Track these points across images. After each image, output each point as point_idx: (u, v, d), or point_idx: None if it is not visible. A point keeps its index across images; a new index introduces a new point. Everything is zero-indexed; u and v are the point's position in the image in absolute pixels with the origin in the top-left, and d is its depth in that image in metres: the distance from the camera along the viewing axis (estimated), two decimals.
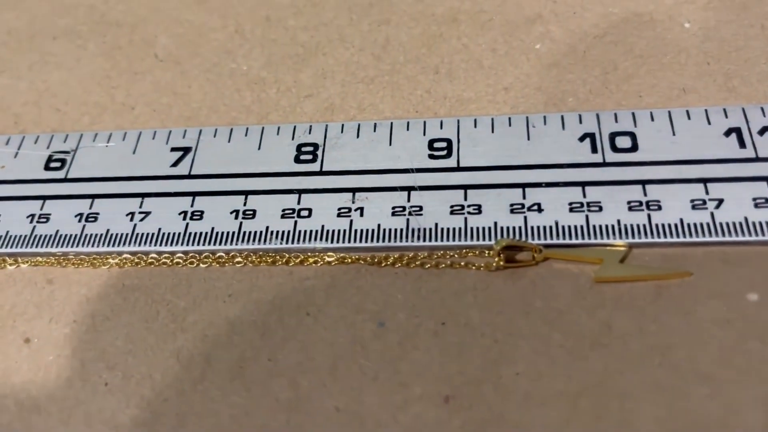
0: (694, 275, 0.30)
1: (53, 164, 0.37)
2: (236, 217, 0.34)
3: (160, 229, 0.34)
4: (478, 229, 0.32)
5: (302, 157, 0.36)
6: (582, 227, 0.31)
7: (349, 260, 0.32)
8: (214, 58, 0.41)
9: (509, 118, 0.35)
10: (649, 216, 0.31)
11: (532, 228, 0.31)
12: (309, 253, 0.33)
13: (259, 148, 0.36)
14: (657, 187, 0.32)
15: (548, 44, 0.38)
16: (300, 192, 0.34)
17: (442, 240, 0.32)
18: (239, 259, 0.33)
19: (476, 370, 0.29)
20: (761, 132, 0.33)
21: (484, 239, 0.31)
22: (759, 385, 0.27)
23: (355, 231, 0.32)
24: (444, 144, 0.35)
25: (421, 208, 0.33)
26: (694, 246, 0.30)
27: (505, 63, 0.38)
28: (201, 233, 0.33)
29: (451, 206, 0.32)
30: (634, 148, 0.33)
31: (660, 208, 0.31)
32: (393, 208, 0.33)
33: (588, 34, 0.38)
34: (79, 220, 0.35)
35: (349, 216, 0.33)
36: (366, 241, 0.32)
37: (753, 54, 0.36)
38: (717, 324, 0.29)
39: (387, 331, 0.30)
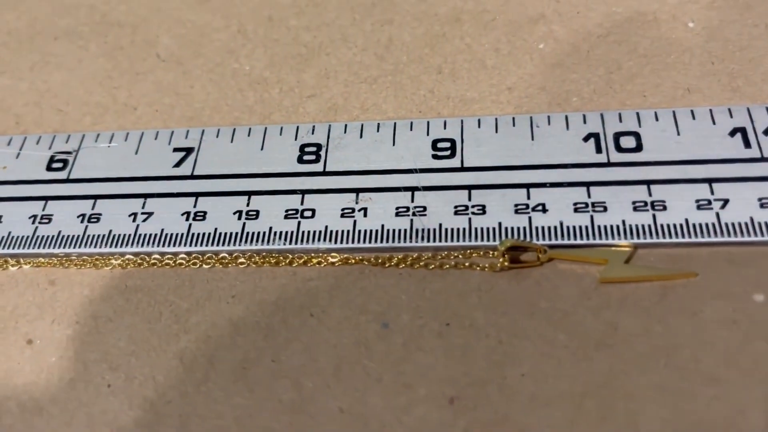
0: (699, 276, 0.30)
1: (55, 165, 0.37)
2: (239, 218, 0.34)
3: (162, 230, 0.34)
4: (482, 229, 0.32)
5: (305, 157, 0.35)
6: (587, 227, 0.31)
7: (353, 261, 0.32)
8: (217, 58, 0.41)
9: (513, 118, 0.35)
10: (654, 216, 0.31)
11: (536, 228, 0.31)
12: (312, 254, 0.33)
13: (261, 149, 0.36)
14: (662, 187, 0.32)
15: (552, 44, 0.38)
16: (303, 192, 0.34)
17: (446, 240, 0.32)
18: (242, 259, 0.33)
19: (481, 371, 0.29)
20: (766, 132, 0.33)
21: (488, 240, 0.31)
22: (765, 386, 0.27)
23: (359, 231, 0.32)
24: (448, 144, 0.35)
25: (425, 208, 0.33)
26: (700, 246, 0.30)
27: (508, 63, 0.38)
28: (204, 234, 0.33)
29: (455, 207, 0.32)
30: (638, 148, 0.33)
31: (665, 208, 0.31)
32: (397, 208, 0.33)
33: (592, 34, 0.38)
34: (82, 221, 0.35)
35: (353, 216, 0.33)
36: (370, 242, 0.32)
37: (757, 54, 0.36)
38: (723, 325, 0.29)
39: (391, 332, 0.30)
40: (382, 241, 0.32)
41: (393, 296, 0.31)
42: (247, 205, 0.34)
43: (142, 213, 0.34)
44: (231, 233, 0.33)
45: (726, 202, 0.31)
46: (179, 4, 0.44)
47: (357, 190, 0.34)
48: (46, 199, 0.36)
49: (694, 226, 0.30)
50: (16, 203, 0.36)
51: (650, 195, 0.31)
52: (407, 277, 0.32)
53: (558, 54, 0.38)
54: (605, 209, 0.31)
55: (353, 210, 0.33)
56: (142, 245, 0.33)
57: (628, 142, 0.33)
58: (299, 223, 0.33)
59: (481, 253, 0.32)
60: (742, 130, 0.33)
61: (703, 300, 0.29)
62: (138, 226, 0.34)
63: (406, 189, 0.33)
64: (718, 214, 0.30)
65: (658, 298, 0.30)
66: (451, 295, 0.31)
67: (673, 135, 0.33)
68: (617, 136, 0.34)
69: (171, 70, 0.41)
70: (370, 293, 0.31)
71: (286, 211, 0.33)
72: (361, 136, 0.36)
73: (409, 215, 0.32)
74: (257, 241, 0.33)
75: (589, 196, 0.32)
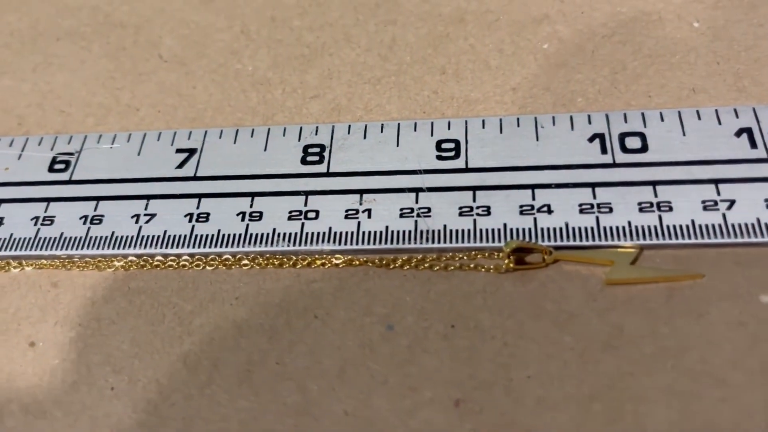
0: (706, 277, 0.30)
1: (57, 166, 0.37)
2: (243, 219, 0.33)
3: (165, 232, 0.34)
4: (487, 230, 0.31)
5: (309, 158, 0.35)
6: (592, 229, 0.31)
7: (357, 262, 0.32)
8: (220, 58, 0.41)
9: (517, 119, 0.35)
10: (660, 217, 0.31)
11: (541, 230, 0.31)
12: (316, 256, 0.32)
13: (265, 150, 0.36)
14: (668, 188, 0.31)
15: (556, 44, 0.38)
16: (307, 194, 0.34)
17: (450, 242, 0.31)
18: (246, 261, 0.33)
19: (487, 373, 0.29)
20: None
21: (493, 241, 0.31)
22: None
23: (363, 233, 0.32)
24: (452, 145, 0.34)
25: (429, 209, 0.32)
26: (706, 247, 0.30)
27: (512, 63, 0.38)
28: (207, 235, 0.33)
29: (460, 208, 0.32)
30: (644, 148, 0.33)
31: (671, 209, 0.31)
32: (401, 209, 0.33)
33: (596, 34, 0.38)
34: (84, 223, 0.34)
35: (357, 218, 0.33)
36: (374, 243, 0.32)
37: (763, 53, 0.36)
38: (730, 326, 0.29)
39: (396, 334, 0.30)
40: (386, 243, 0.32)
41: (397, 298, 0.31)
42: (251, 206, 0.34)
43: (145, 214, 0.34)
44: (234, 235, 0.33)
45: (732, 202, 0.31)
46: (182, 4, 0.44)
47: (361, 191, 0.33)
48: (48, 200, 0.36)
49: (700, 227, 0.30)
50: (18, 205, 0.36)
51: (656, 196, 0.31)
52: (412, 278, 0.32)
53: (562, 54, 0.38)
54: (611, 210, 0.31)
55: (357, 211, 0.33)
56: (145, 247, 0.33)
57: (633, 142, 0.33)
58: (303, 224, 0.33)
59: (486, 255, 0.31)
60: (748, 131, 0.33)
61: (710, 301, 0.29)
62: (141, 227, 0.34)
63: (410, 190, 0.33)
64: (724, 215, 0.30)
65: (665, 300, 0.30)
66: (456, 297, 0.31)
67: (678, 135, 0.33)
68: (622, 137, 0.33)
69: (174, 71, 0.41)
70: (375, 295, 0.31)
71: (290, 212, 0.33)
72: (364, 137, 0.36)
73: (413, 216, 0.32)
74: (261, 242, 0.33)
75: (594, 197, 0.32)
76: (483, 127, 0.35)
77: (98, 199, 0.35)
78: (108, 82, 0.41)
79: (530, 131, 0.34)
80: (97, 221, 0.34)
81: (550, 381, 0.28)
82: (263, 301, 0.32)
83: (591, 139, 0.34)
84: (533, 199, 0.32)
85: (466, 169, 0.33)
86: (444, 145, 0.35)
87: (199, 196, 0.35)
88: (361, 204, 0.33)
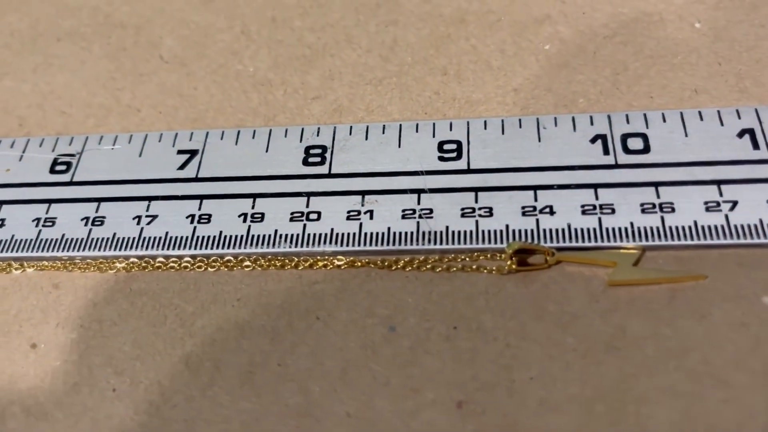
0: (708, 278, 0.30)
1: (59, 167, 0.37)
2: (244, 221, 0.33)
3: (167, 233, 0.34)
4: (489, 232, 0.31)
5: (310, 159, 0.35)
6: (595, 230, 0.31)
7: (359, 264, 0.32)
8: (220, 59, 0.41)
9: (519, 120, 0.35)
10: (662, 218, 0.31)
11: (544, 231, 0.31)
12: (318, 257, 0.32)
13: (266, 151, 0.36)
14: (670, 188, 0.31)
15: (557, 45, 0.38)
16: (309, 195, 0.34)
17: (453, 243, 0.31)
18: (248, 262, 0.33)
19: (489, 374, 0.29)
20: None
21: (495, 242, 0.31)
22: None
23: (365, 234, 0.32)
24: (454, 146, 0.34)
25: (431, 210, 0.32)
26: (709, 248, 0.30)
27: (514, 64, 0.38)
28: (209, 237, 0.33)
29: (462, 209, 0.32)
30: (646, 149, 0.33)
31: (673, 210, 0.31)
32: (403, 210, 0.33)
33: (597, 35, 0.38)
34: (86, 224, 0.34)
35: (359, 219, 0.33)
36: (376, 245, 0.32)
37: (764, 54, 0.36)
38: (732, 327, 0.29)
39: (398, 336, 0.30)
40: (388, 244, 0.32)
41: (400, 299, 0.31)
42: (252, 207, 0.34)
43: (147, 216, 0.34)
44: (236, 236, 0.33)
45: (735, 203, 0.30)
46: (182, 5, 0.44)
47: (363, 193, 0.33)
48: (49, 201, 0.36)
49: (702, 228, 0.30)
50: (19, 206, 0.36)
51: (658, 197, 0.31)
52: (414, 280, 0.32)
53: (564, 55, 0.38)
54: (613, 211, 0.31)
55: (359, 212, 0.33)
56: (147, 248, 0.33)
57: (635, 143, 0.33)
58: (305, 225, 0.33)
59: (488, 256, 0.31)
60: (751, 132, 0.33)
61: (713, 302, 0.29)
62: (142, 229, 0.34)
63: (412, 191, 0.33)
64: (726, 216, 0.30)
65: (667, 301, 0.29)
66: (459, 298, 0.31)
67: (680, 136, 0.33)
68: (624, 138, 0.33)
69: (174, 72, 0.41)
70: (377, 296, 0.31)
71: (292, 213, 0.33)
72: (366, 138, 0.36)
73: (415, 218, 0.32)
74: (262, 243, 0.33)
75: (596, 198, 0.32)
76: (485, 128, 0.35)
77: (100, 200, 0.35)
78: (109, 82, 0.41)
79: (532, 132, 0.34)
80: (99, 222, 0.34)
81: (553, 382, 0.28)
82: (265, 302, 0.32)
83: (593, 140, 0.33)
84: (535, 200, 0.32)
85: (468, 170, 0.33)
86: (446, 146, 0.35)
87: (201, 197, 0.35)
88: (363, 205, 0.33)
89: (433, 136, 0.35)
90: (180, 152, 0.36)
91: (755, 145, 0.32)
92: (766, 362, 0.28)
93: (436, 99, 0.37)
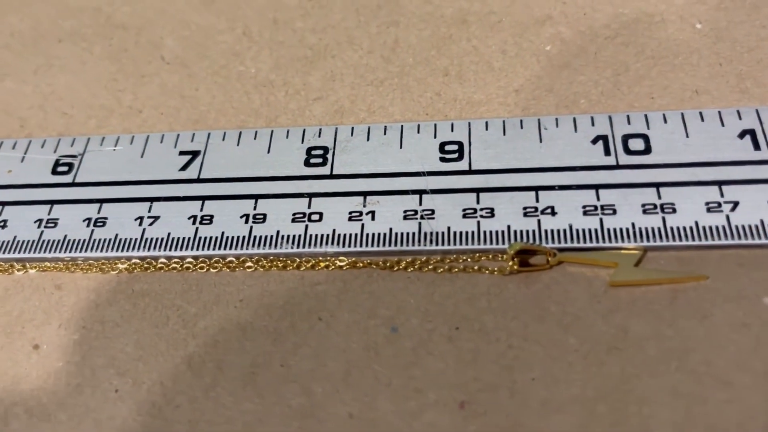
0: (710, 279, 0.30)
1: (60, 168, 0.37)
2: (246, 222, 0.33)
3: (169, 234, 0.34)
4: (491, 232, 0.31)
5: (312, 160, 0.35)
6: (596, 230, 0.31)
7: (361, 265, 0.32)
8: (222, 60, 0.41)
9: (521, 121, 0.35)
10: (663, 219, 0.31)
11: (545, 231, 0.31)
12: (320, 258, 0.32)
13: (268, 152, 0.36)
14: (671, 189, 0.31)
15: (558, 45, 0.38)
16: (310, 196, 0.34)
17: (454, 244, 0.31)
18: (250, 263, 0.33)
19: (491, 375, 0.29)
20: None
21: (497, 243, 0.31)
22: None
23: (367, 235, 0.32)
24: (455, 147, 0.35)
25: (433, 211, 0.32)
26: (710, 249, 0.30)
27: (515, 65, 0.38)
28: (211, 238, 0.33)
29: (464, 210, 0.32)
30: (647, 150, 0.33)
31: (674, 210, 0.31)
32: (405, 211, 0.33)
33: (599, 35, 0.38)
34: (88, 225, 0.34)
35: (361, 220, 0.33)
36: (378, 246, 0.32)
37: (765, 55, 0.36)
38: (734, 328, 0.29)
39: (400, 337, 0.30)
40: (390, 245, 0.32)
41: (402, 300, 0.31)
42: (254, 208, 0.34)
43: (149, 217, 0.34)
44: (238, 237, 0.33)
45: (736, 204, 0.31)
46: (184, 6, 0.44)
47: (364, 194, 0.33)
48: (51, 203, 0.36)
49: (704, 228, 0.30)
50: (21, 207, 0.36)
51: (659, 197, 0.31)
52: (416, 280, 0.32)
53: (565, 56, 0.38)
54: (614, 212, 0.31)
55: (361, 213, 0.33)
56: (149, 249, 0.33)
57: (636, 144, 0.33)
58: (307, 226, 0.33)
59: (490, 257, 0.31)
60: (752, 132, 0.33)
61: (714, 303, 0.29)
62: (144, 230, 0.34)
63: (413, 192, 0.33)
64: (728, 217, 0.30)
65: (669, 302, 0.30)
66: (460, 299, 0.31)
67: (681, 137, 0.33)
68: (626, 139, 0.33)
69: (176, 73, 0.41)
70: (379, 297, 0.31)
71: (294, 214, 0.33)
72: (368, 139, 0.36)
73: (417, 218, 0.32)
74: (265, 244, 0.33)
75: (598, 198, 0.32)
76: (486, 128, 0.35)
77: (102, 201, 0.35)
78: (110, 83, 0.41)
79: (533, 133, 0.34)
80: (101, 223, 0.34)
81: (555, 383, 0.28)
82: (267, 303, 0.32)
83: (594, 141, 0.34)
84: (537, 200, 0.32)
85: (470, 171, 0.33)
86: (447, 147, 0.35)
87: (203, 198, 0.35)
88: (364, 206, 0.33)
89: (435, 137, 0.35)
90: (182, 153, 0.37)
91: (756, 146, 0.32)
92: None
93: (438, 100, 0.37)
